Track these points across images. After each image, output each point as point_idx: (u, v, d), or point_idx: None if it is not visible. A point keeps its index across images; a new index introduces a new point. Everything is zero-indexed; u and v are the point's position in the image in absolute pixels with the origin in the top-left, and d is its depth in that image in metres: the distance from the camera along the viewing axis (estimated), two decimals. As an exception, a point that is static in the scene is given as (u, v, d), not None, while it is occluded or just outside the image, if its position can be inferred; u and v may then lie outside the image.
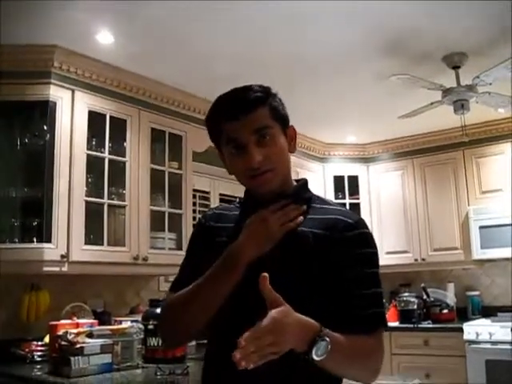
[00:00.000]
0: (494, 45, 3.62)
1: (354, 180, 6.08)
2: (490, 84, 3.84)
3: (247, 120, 1.41)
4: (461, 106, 3.96)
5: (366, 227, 1.49)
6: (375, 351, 1.41)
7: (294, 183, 1.58)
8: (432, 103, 4.17)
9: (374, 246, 1.48)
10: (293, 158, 5.39)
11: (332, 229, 1.42)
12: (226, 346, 1.44)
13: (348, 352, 1.31)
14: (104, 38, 3.40)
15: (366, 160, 6.16)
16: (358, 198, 6.02)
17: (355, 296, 1.37)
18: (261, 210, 1.43)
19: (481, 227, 5.24)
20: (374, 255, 1.46)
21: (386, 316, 1.48)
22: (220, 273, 1.37)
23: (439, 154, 5.69)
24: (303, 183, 1.59)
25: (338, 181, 6.00)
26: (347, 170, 6.11)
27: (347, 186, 6.02)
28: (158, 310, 3.15)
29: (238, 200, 1.65)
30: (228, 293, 1.37)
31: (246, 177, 1.46)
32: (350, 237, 1.42)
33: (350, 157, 6.15)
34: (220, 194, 4.94)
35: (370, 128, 5.59)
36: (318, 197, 1.58)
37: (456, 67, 3.90)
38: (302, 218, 1.42)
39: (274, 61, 3.83)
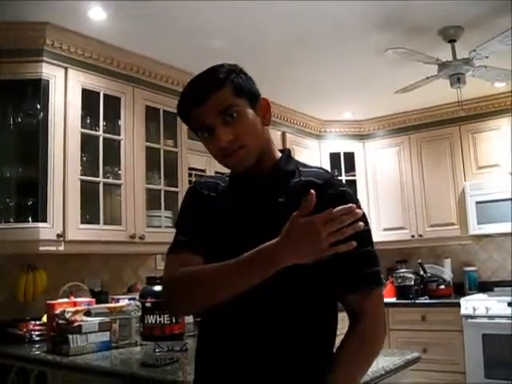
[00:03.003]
0: (491, 18, 3.59)
1: (350, 157, 6.07)
2: (487, 57, 3.80)
3: (210, 102, 1.42)
4: (457, 79, 3.94)
5: (339, 185, 1.46)
6: (374, 330, 1.42)
7: (279, 154, 1.57)
8: (428, 77, 4.14)
9: (354, 202, 1.37)
10: (288, 135, 5.38)
11: (301, 192, 1.34)
12: (220, 328, 1.45)
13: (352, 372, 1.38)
14: (96, 14, 3.35)
15: (362, 137, 6.15)
16: (354, 175, 6.02)
17: (342, 257, 1.30)
18: (313, 216, 1.25)
19: (477, 203, 5.24)
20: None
21: (381, 276, 1.48)
22: (252, 268, 1.30)
23: (435, 130, 5.68)
24: (286, 155, 1.57)
25: (334, 158, 5.98)
26: (343, 146, 6.09)
27: (343, 162, 6.00)
28: (156, 288, 3.20)
29: (228, 173, 1.64)
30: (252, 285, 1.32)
31: (220, 157, 1.48)
32: (322, 197, 1.31)
33: (346, 133, 6.14)
34: (216, 172, 4.91)
35: (367, 104, 5.57)
36: (304, 165, 1.56)
37: (452, 41, 3.87)
38: (355, 243, 1.26)
39: (270, 37, 3.80)
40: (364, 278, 1.40)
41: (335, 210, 1.24)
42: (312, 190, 1.26)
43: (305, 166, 1.55)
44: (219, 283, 1.36)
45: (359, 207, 1.38)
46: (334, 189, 1.42)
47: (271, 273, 1.28)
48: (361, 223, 1.27)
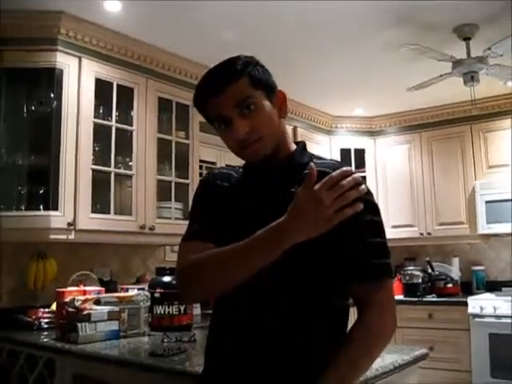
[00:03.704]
0: (506, 16, 3.56)
1: (360, 153, 6.06)
2: (501, 56, 3.79)
3: (227, 94, 1.42)
4: (471, 77, 3.92)
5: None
6: (381, 320, 1.41)
7: (294, 146, 1.57)
8: (441, 75, 4.13)
9: (367, 194, 1.38)
10: (300, 130, 5.36)
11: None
12: (231, 314, 1.46)
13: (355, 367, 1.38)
14: (111, 5, 3.36)
15: (373, 133, 6.14)
16: (364, 172, 5.98)
17: (353, 246, 1.34)
18: (314, 189, 1.26)
19: (487, 202, 5.23)
20: (366, 201, 1.36)
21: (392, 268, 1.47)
22: (263, 247, 1.31)
23: (447, 128, 5.66)
24: (301, 147, 1.58)
25: (345, 154, 5.96)
26: (354, 142, 6.08)
27: (354, 158, 5.99)
28: (165, 278, 3.20)
29: (242, 165, 1.64)
30: (264, 266, 1.32)
31: (237, 149, 1.48)
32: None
33: (356, 130, 6.13)
34: (226, 165, 4.92)
35: (378, 101, 5.55)
36: (319, 157, 1.56)
37: (467, 38, 3.85)
38: (361, 205, 1.27)
39: (283, 31, 3.80)
40: (374, 268, 1.40)
41: (332, 174, 1.26)
42: (311, 163, 1.28)
43: (319, 158, 1.55)
44: (230, 264, 1.36)
45: (372, 200, 1.39)
46: None
47: (282, 249, 1.28)
48: (363, 186, 1.29)
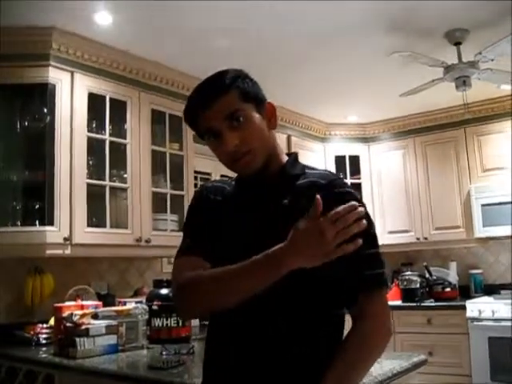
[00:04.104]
0: (496, 20, 3.58)
1: (355, 160, 6.07)
2: (492, 60, 3.80)
3: (216, 107, 1.43)
4: (463, 82, 3.94)
5: (343, 186, 1.46)
6: (374, 330, 1.40)
7: (286, 158, 1.58)
8: (433, 80, 4.14)
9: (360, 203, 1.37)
10: (294, 139, 5.38)
11: (306, 193, 1.40)
12: (229, 323, 1.46)
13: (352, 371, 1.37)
14: (102, 18, 3.36)
15: (367, 140, 6.15)
16: (359, 178, 6.01)
17: (344, 260, 1.29)
18: (318, 220, 1.25)
19: (483, 205, 5.23)
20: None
21: (386, 278, 1.46)
22: (259, 271, 1.31)
23: (441, 133, 5.67)
24: (292, 159, 1.58)
25: (340, 161, 5.97)
26: (348, 149, 6.09)
27: (348, 165, 6.00)
28: (163, 291, 3.20)
29: (235, 177, 1.65)
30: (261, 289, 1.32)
31: (227, 162, 1.48)
32: (325, 197, 1.31)
33: (351, 136, 6.14)
34: (221, 176, 4.93)
35: (371, 107, 5.56)
36: (311, 167, 1.57)
37: (458, 43, 3.87)
38: (361, 240, 1.25)
39: (275, 41, 3.81)
40: (366, 280, 1.40)
41: (338, 209, 1.25)
42: (318, 196, 1.26)
43: (312, 168, 1.56)
44: (226, 288, 1.37)
45: (365, 209, 1.39)
46: (338, 189, 1.43)
47: (278, 276, 1.28)
48: (364, 221, 1.27)
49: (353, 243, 1.25)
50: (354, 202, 1.27)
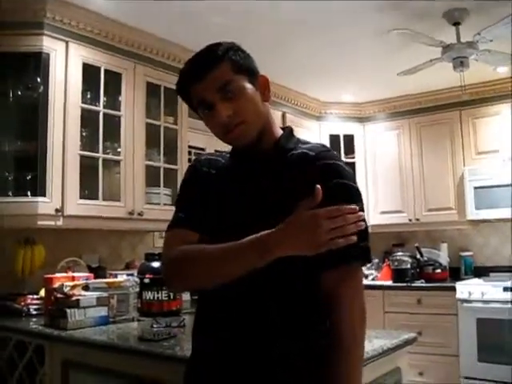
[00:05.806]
0: (495, 1, 3.55)
1: (349, 139, 6.06)
2: (491, 41, 3.78)
3: (209, 79, 1.43)
4: (460, 63, 3.92)
5: (332, 158, 1.44)
6: (350, 337, 1.37)
7: (280, 132, 1.57)
8: (431, 60, 4.12)
9: (345, 177, 1.41)
10: (289, 116, 5.32)
11: (296, 165, 1.42)
12: (217, 299, 1.46)
13: None
14: (98, -13, 3.32)
15: (362, 119, 6.14)
16: (353, 158, 6.00)
17: None
18: (317, 210, 1.24)
19: (476, 188, 5.24)
20: (345, 186, 1.39)
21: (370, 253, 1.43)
22: (249, 253, 1.29)
23: (436, 114, 5.66)
24: (287, 132, 1.58)
25: (334, 140, 5.94)
26: (343, 128, 6.08)
27: (343, 145, 5.99)
28: (154, 264, 3.19)
29: (230, 151, 1.64)
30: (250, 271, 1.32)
31: (221, 134, 1.48)
32: (312, 170, 1.36)
33: (346, 116, 6.12)
34: (215, 151, 4.90)
35: (367, 87, 5.54)
36: (306, 142, 1.56)
37: (456, 23, 3.84)
38: (355, 237, 1.26)
39: (271, 15, 3.76)
40: (344, 253, 1.30)
41: (341, 207, 1.25)
42: (318, 186, 1.25)
43: (306, 142, 1.55)
44: (215, 267, 1.38)
45: (355, 182, 1.41)
46: (327, 160, 1.42)
47: (267, 260, 1.28)
48: (362, 223, 1.28)
49: (346, 239, 1.25)
50: (356, 206, 1.28)
